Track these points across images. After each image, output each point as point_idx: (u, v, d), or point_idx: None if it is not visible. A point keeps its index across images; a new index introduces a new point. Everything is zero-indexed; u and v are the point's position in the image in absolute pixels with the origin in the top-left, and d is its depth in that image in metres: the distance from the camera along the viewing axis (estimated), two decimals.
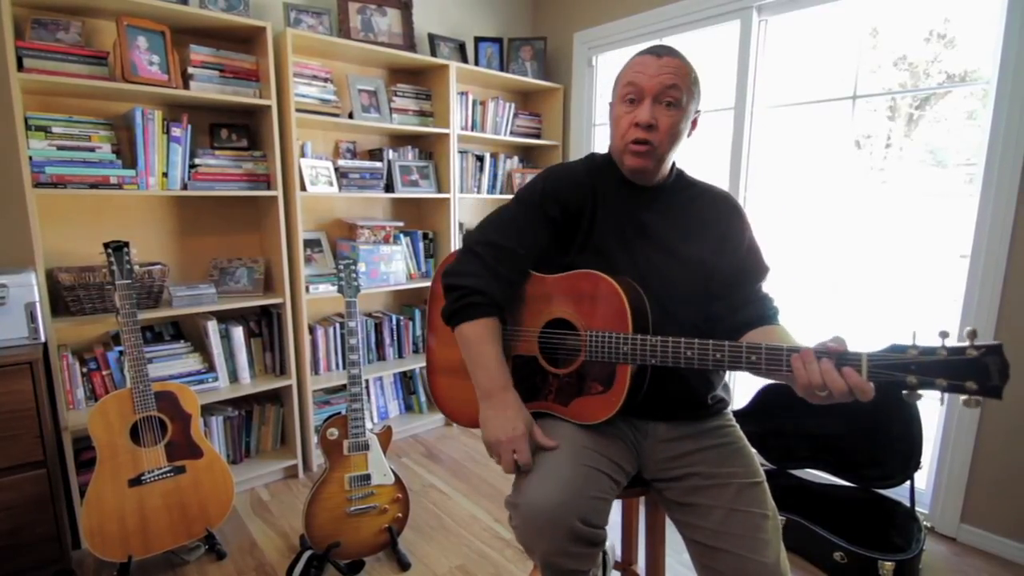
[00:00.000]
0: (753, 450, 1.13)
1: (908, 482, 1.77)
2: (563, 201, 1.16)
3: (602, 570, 1.47)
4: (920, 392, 0.79)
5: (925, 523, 1.75)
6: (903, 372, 0.79)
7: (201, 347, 2.13)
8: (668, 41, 2.63)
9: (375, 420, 2.72)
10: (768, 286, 1.15)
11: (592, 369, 1.07)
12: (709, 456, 1.09)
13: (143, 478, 1.63)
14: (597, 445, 1.07)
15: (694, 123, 1.13)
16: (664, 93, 1.04)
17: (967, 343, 0.76)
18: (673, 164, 1.18)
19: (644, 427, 1.15)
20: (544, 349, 1.14)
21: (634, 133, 1.06)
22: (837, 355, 0.82)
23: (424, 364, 2.69)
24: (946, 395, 0.78)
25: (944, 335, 0.77)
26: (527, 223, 1.15)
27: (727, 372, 1.22)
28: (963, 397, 0.76)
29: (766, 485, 1.06)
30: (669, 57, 1.05)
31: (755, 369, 0.91)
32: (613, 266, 1.09)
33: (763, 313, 1.10)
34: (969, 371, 0.75)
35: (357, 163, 2.44)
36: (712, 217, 1.15)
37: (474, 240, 1.15)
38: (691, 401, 1.14)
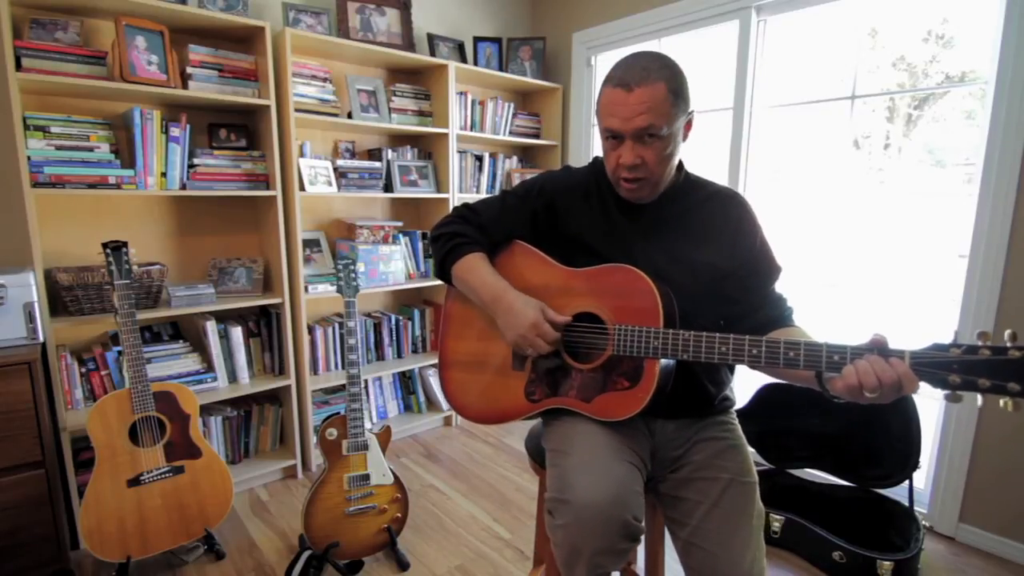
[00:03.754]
0: (750, 451, 1.13)
1: (907, 481, 1.77)
2: (556, 206, 1.18)
3: None
4: (961, 393, 0.77)
5: (924, 522, 1.75)
6: (945, 371, 0.77)
7: (200, 347, 2.13)
8: (666, 42, 2.63)
9: (374, 420, 2.72)
10: (781, 286, 1.15)
11: (618, 364, 1.05)
12: (704, 447, 1.09)
13: (142, 478, 1.63)
14: (628, 441, 1.07)
15: (688, 125, 1.09)
16: (641, 133, 1.01)
17: (1008, 344, 0.75)
18: (680, 166, 1.16)
19: (653, 425, 1.14)
20: (567, 343, 1.12)
21: (622, 172, 1.06)
22: (879, 348, 0.82)
23: (423, 363, 2.69)
24: (986, 396, 0.76)
25: (983, 335, 0.76)
26: (510, 211, 1.21)
27: (735, 373, 1.22)
28: (1002, 400, 0.75)
29: (756, 487, 1.05)
30: (641, 88, 0.99)
31: (792, 365, 0.89)
32: None
33: (779, 315, 1.10)
34: (1012, 372, 0.74)
35: (356, 163, 2.43)
36: (721, 220, 1.12)
37: (458, 206, 1.27)
38: (701, 401, 1.14)
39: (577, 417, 1.10)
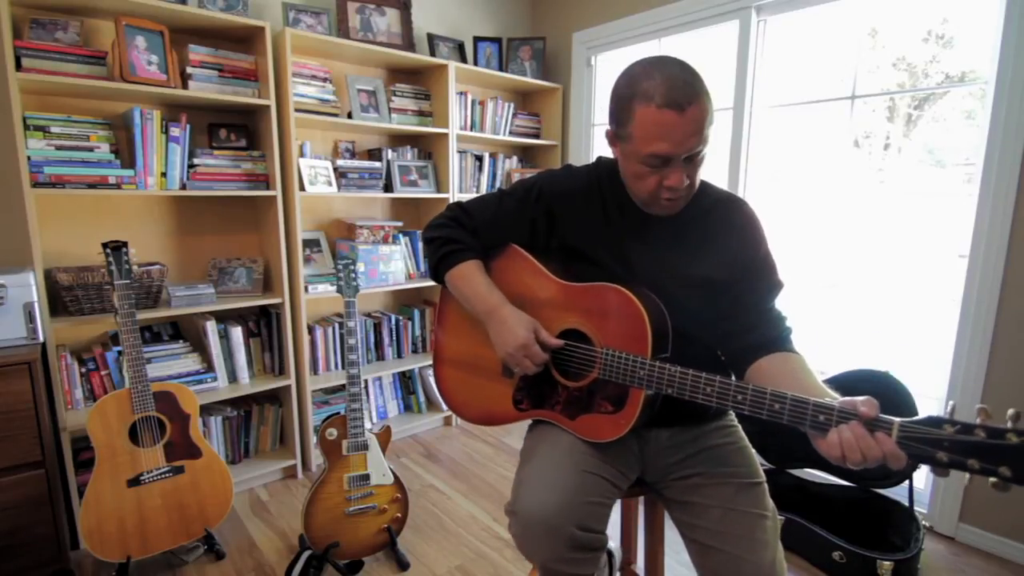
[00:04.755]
0: (754, 451, 1.13)
1: (907, 481, 1.77)
2: (555, 212, 1.15)
3: (608, 570, 1.46)
4: (948, 471, 0.73)
5: (924, 522, 1.75)
6: (934, 448, 0.73)
7: (200, 347, 2.13)
8: (666, 42, 2.63)
9: (374, 420, 2.72)
10: (781, 302, 1.10)
11: (603, 387, 1.04)
12: (710, 456, 1.08)
13: (142, 478, 1.63)
14: (598, 450, 1.06)
15: None
16: (693, 155, 0.96)
17: (1009, 426, 0.70)
18: None
19: (647, 435, 1.13)
20: (555, 358, 1.11)
21: (667, 193, 0.99)
22: (867, 420, 0.77)
23: (423, 363, 2.69)
24: (973, 476, 0.72)
25: (982, 413, 0.72)
26: (507, 216, 1.18)
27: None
28: (992, 480, 0.70)
29: (766, 486, 1.05)
30: (694, 107, 0.90)
31: (776, 418, 0.85)
32: (611, 281, 1.06)
33: (777, 335, 1.04)
34: (1006, 457, 0.69)
35: (356, 163, 2.43)
36: (724, 230, 1.08)
37: (452, 205, 1.24)
38: (695, 410, 1.11)
39: (557, 426, 1.11)
